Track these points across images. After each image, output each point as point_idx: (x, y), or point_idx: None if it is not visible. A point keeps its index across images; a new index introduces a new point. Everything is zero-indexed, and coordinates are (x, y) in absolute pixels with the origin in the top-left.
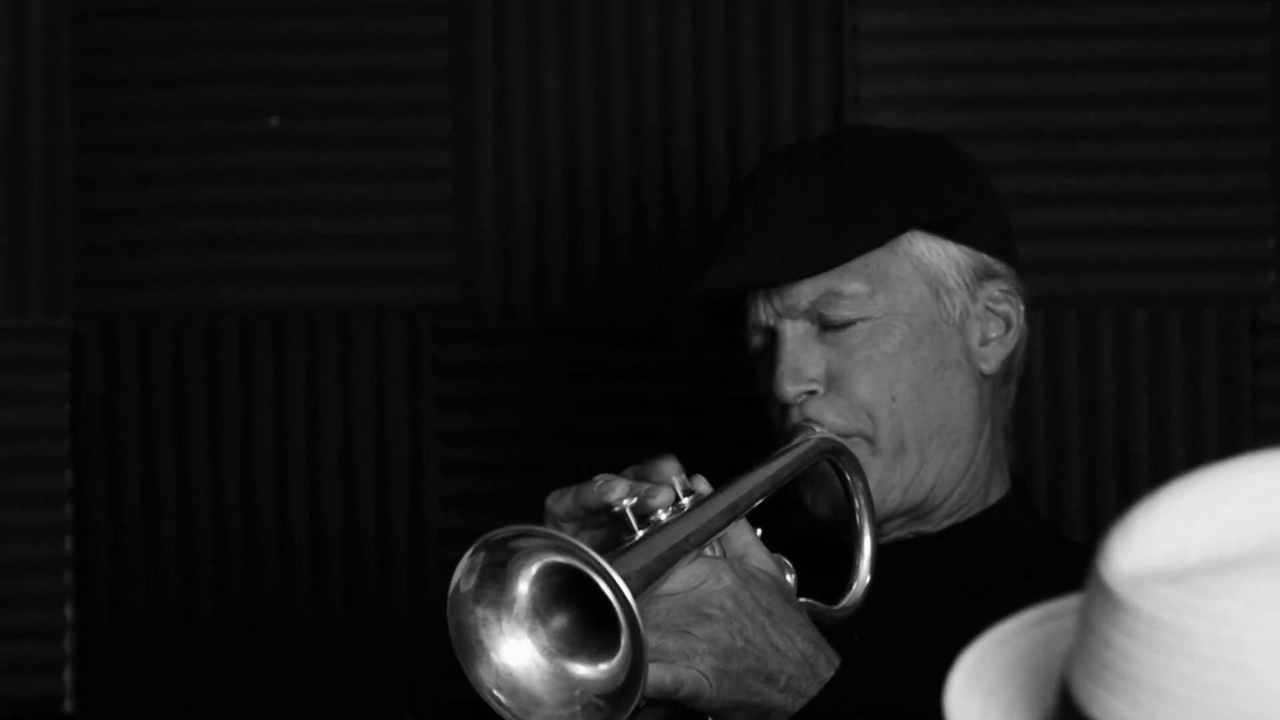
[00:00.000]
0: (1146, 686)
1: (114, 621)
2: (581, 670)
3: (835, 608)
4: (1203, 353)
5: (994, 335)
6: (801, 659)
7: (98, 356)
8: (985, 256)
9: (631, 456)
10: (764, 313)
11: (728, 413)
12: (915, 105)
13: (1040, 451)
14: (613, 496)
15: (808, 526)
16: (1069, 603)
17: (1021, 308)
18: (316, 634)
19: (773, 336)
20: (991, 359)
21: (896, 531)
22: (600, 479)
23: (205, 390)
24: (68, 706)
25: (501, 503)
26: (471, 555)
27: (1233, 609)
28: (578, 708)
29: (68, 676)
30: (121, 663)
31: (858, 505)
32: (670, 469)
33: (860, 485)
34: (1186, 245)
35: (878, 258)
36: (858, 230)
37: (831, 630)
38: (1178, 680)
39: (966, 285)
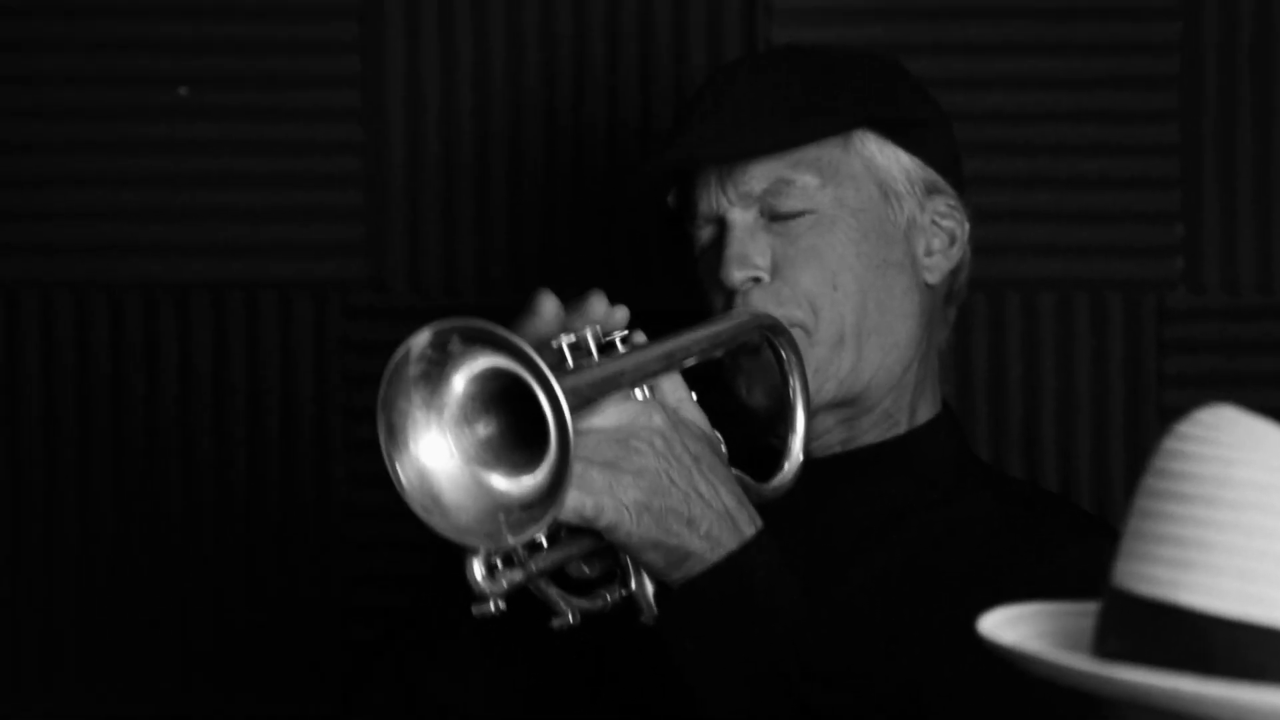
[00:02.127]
0: None
1: (13, 599)
2: (501, 482)
3: (766, 485)
4: (1109, 338)
5: (938, 248)
6: (724, 510)
7: None
8: (934, 171)
9: None
10: (715, 201)
11: None
12: None
13: None
14: (544, 320)
15: (741, 433)
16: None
17: (966, 226)
18: (219, 614)
19: (721, 228)
20: (935, 270)
21: (828, 437)
22: (531, 310)
23: (109, 363)
24: None
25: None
26: (429, 342)
27: None
28: (502, 522)
29: None
30: (18, 649)
31: (792, 385)
32: (599, 303)
33: (795, 363)
34: (1095, 230)
35: (830, 152)
36: (814, 118)
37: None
38: None
39: (915, 194)
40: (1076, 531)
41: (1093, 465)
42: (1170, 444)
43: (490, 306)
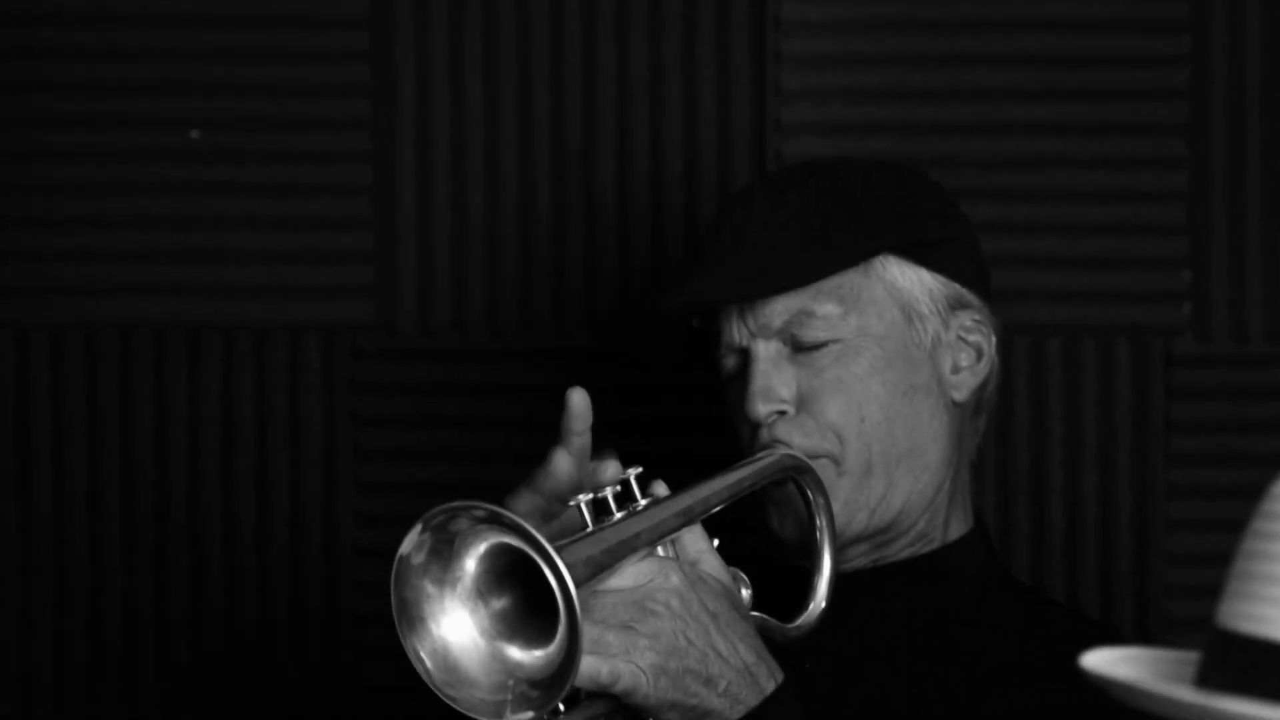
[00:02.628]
0: None
1: (20, 639)
2: (517, 654)
3: (789, 626)
4: (1117, 384)
5: (965, 364)
6: (743, 667)
7: (9, 368)
8: (958, 286)
9: None
10: (738, 333)
11: (647, 433)
12: (836, 131)
13: None
14: (561, 473)
15: (772, 553)
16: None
17: (993, 339)
18: (228, 650)
19: (745, 358)
20: (963, 387)
21: (859, 559)
22: (546, 467)
23: (118, 404)
24: None
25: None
26: (420, 531)
27: None
28: (509, 696)
29: None
30: (29, 685)
31: (819, 524)
32: (563, 464)
33: (822, 504)
34: (1102, 276)
35: (851, 280)
36: (833, 250)
37: (783, 651)
38: None
39: (939, 312)
40: None
41: (1099, 511)
42: (1278, 488)
43: (498, 349)
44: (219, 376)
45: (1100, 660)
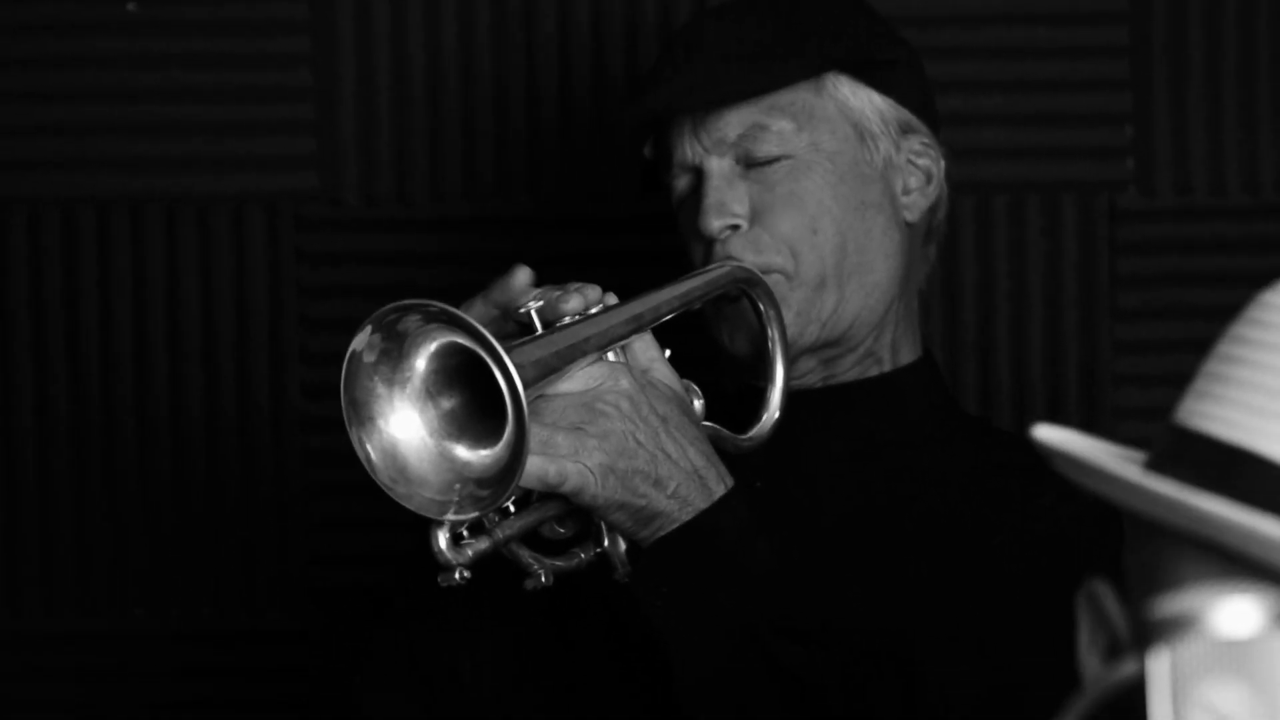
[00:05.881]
0: None
1: None
2: (465, 454)
3: (741, 437)
4: (1062, 240)
5: (915, 186)
6: (692, 470)
7: None
8: (907, 111)
9: None
10: (690, 150)
11: None
12: None
13: None
14: (515, 288)
15: (724, 377)
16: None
17: (942, 164)
18: (178, 522)
19: (698, 176)
20: (914, 208)
21: (808, 376)
22: (504, 279)
23: (62, 279)
24: None
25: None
26: (371, 331)
27: None
28: (455, 496)
29: None
30: None
31: (771, 336)
32: (522, 277)
33: (774, 316)
34: (1046, 133)
35: (804, 97)
36: (785, 61)
37: (733, 472)
38: None
39: (889, 134)
40: (1065, 492)
41: (1045, 367)
42: (1269, 297)
43: (442, 218)
44: (163, 250)
45: (1051, 434)
